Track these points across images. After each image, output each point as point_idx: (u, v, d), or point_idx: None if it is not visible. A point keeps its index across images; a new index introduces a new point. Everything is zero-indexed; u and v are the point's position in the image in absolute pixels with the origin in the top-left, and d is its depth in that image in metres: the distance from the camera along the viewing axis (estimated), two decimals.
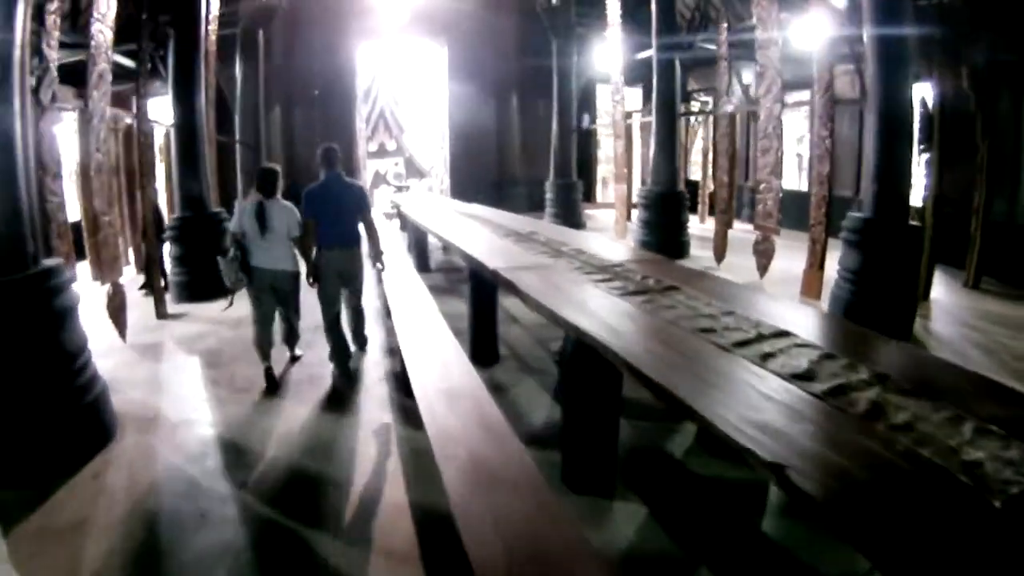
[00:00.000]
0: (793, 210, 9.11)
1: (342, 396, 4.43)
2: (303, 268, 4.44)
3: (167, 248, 7.21)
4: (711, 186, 13.60)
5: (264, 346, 4.44)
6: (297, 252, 4.39)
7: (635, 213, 10.56)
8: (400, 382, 4.38)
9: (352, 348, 4.87)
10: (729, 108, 9.08)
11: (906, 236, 5.68)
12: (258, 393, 4.46)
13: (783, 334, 2.68)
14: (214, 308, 6.87)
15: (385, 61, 22.62)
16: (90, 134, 5.39)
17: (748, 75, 13.36)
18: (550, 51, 13.07)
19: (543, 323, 4.99)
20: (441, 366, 3.25)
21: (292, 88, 13.86)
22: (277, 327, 4.63)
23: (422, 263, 8.22)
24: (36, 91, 4.71)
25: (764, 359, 2.38)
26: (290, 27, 13.42)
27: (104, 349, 5.24)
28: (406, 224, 11.00)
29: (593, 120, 15.53)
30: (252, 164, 11.03)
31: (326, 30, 13.95)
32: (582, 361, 2.86)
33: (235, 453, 3.64)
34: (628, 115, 13.17)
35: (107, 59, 5.61)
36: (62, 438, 3.29)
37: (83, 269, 7.97)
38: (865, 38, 5.76)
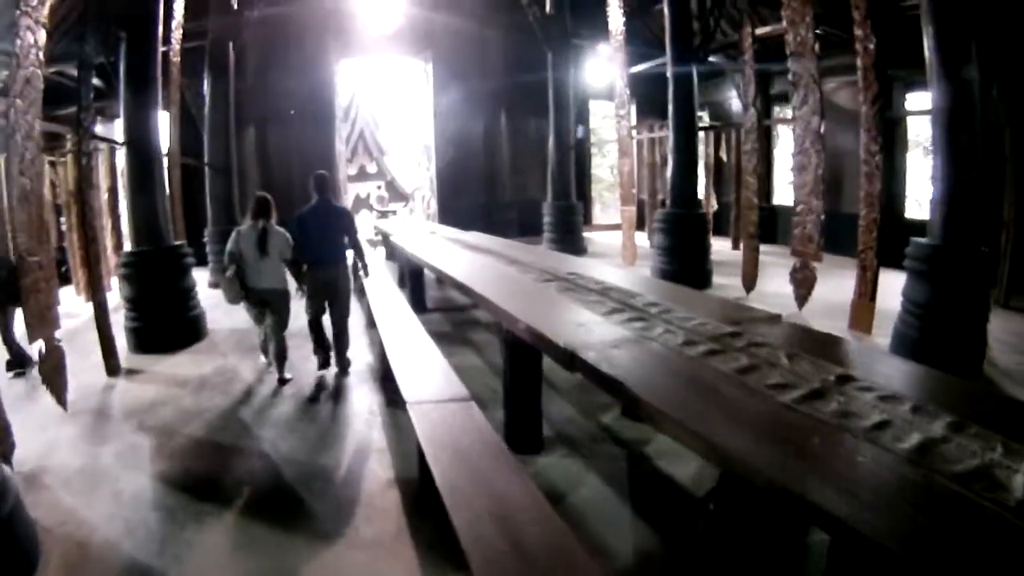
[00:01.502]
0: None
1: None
2: (292, 286, 4.95)
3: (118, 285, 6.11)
4: (714, 204, 12.94)
5: (266, 348, 5.11)
6: (287, 271, 4.89)
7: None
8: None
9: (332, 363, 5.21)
10: (751, 120, 8.25)
11: (979, 264, 4.93)
12: (223, 508, 3.25)
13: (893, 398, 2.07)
14: (176, 361, 5.77)
15: (365, 79, 21.77)
16: (11, 153, 4.31)
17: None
18: (540, 66, 12.26)
19: (582, 384, 4.02)
20: (470, 456, 2.48)
21: (267, 107, 12.86)
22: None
23: (418, 301, 7.17)
24: None
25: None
26: (264, 42, 12.41)
27: (38, 420, 4.49)
28: (394, 254, 10.14)
29: (587, 133, 14.75)
30: (223, 189, 9.94)
31: (303, 46, 13.04)
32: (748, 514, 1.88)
33: None
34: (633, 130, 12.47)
35: (37, 62, 4.55)
36: None
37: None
38: (927, 47, 4.99)
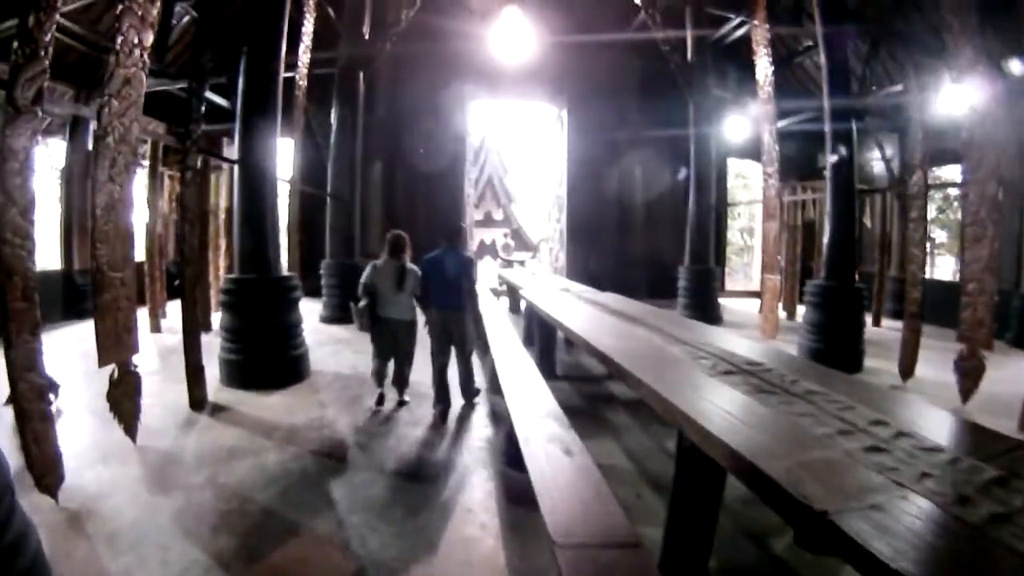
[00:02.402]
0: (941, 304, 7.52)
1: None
2: (421, 319, 4.99)
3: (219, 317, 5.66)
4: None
5: (380, 376, 5.02)
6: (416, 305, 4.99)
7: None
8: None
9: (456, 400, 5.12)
10: (919, 185, 6.49)
11: None
12: None
13: None
14: (268, 403, 5.11)
15: (496, 122, 21.72)
16: (101, 157, 3.89)
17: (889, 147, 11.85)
18: (676, 117, 11.25)
19: (748, 498, 2.92)
20: None
21: (396, 143, 12.67)
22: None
23: (548, 366, 6.09)
24: (11, 85, 3.22)
25: None
26: (395, 76, 12.35)
27: (102, 451, 4.05)
28: (519, 307, 9.65)
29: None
30: (344, 221, 9.63)
31: (436, 84, 12.79)
32: None
33: None
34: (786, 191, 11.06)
35: (141, 63, 4.15)
36: None
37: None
38: None
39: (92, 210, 3.87)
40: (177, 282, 8.86)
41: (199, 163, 5.07)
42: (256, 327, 5.49)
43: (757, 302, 12.96)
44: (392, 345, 4.93)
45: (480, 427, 4.73)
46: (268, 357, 5.50)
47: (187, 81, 4.95)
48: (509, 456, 3.74)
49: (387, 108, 12.45)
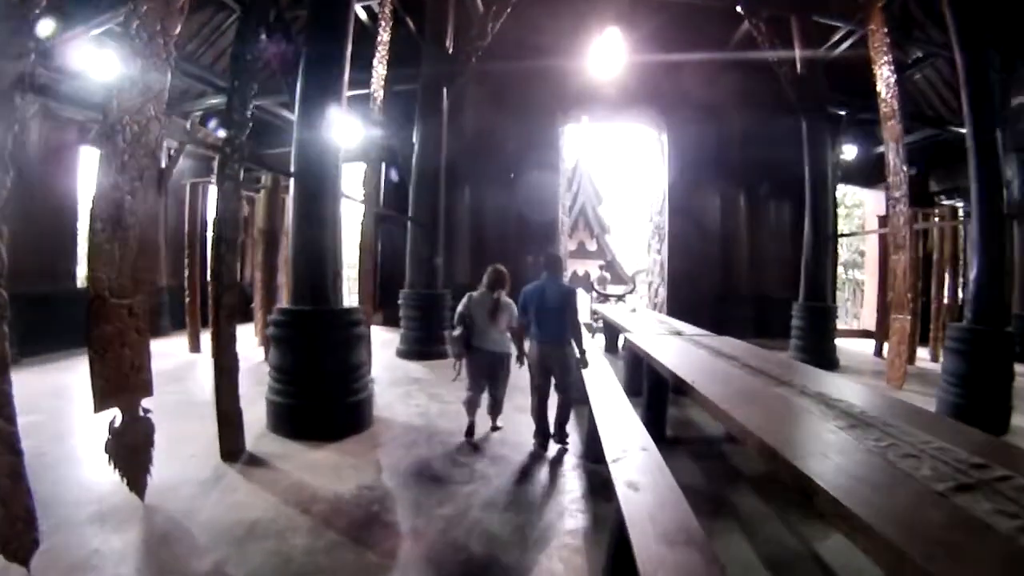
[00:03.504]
0: None
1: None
2: (514, 351, 4.85)
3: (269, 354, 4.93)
4: None
5: (472, 406, 4.91)
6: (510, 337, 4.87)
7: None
8: None
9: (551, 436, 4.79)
10: None
11: None
12: None
13: None
14: (315, 460, 4.25)
15: (588, 147, 20.78)
16: (105, 161, 3.24)
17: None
18: (781, 139, 10.45)
19: None
20: None
21: (484, 167, 11.97)
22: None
23: (657, 427, 4.85)
24: None
25: None
26: (483, 96, 11.71)
27: (96, 509, 3.32)
28: (616, 344, 9.05)
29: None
30: (426, 248, 8.89)
31: (526, 104, 12.06)
32: None
33: None
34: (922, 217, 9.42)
35: (163, 52, 3.51)
36: None
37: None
38: None
39: (91, 223, 3.19)
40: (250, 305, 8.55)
41: (252, 176, 4.34)
42: (308, 367, 4.68)
43: (863, 342, 11.48)
44: (486, 376, 4.89)
45: (576, 510, 3.60)
46: (321, 403, 4.66)
47: (229, 79, 4.31)
48: (615, 566, 2.58)
49: (475, 130, 11.79)
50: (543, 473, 4.18)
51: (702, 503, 3.30)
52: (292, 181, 4.97)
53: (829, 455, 2.21)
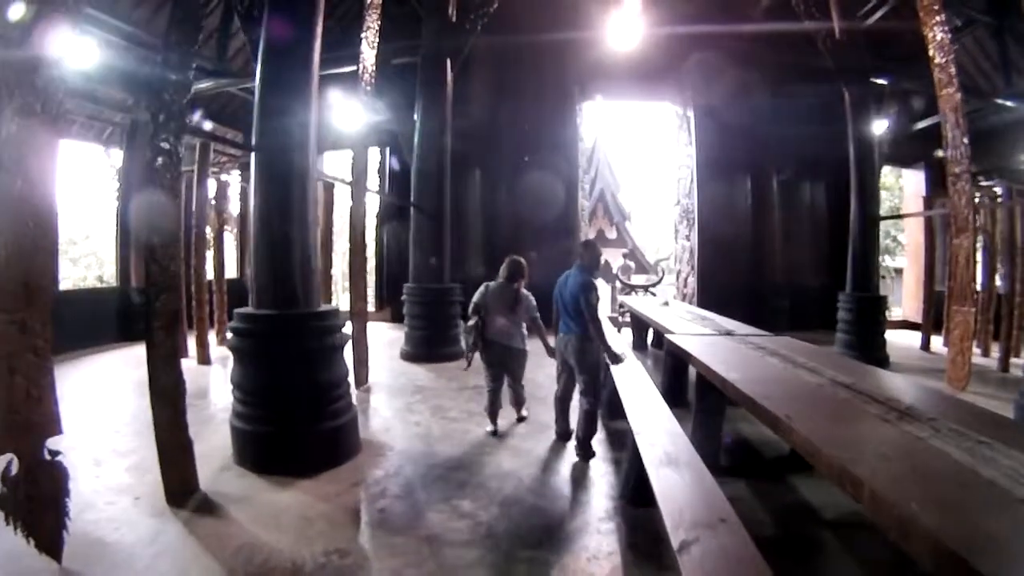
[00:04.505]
0: None
1: None
2: (527, 347, 4.76)
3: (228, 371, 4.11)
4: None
5: (494, 414, 4.80)
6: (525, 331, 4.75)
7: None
8: None
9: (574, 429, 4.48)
10: None
11: None
12: None
13: None
14: (281, 505, 3.39)
15: (606, 127, 19.73)
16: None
17: None
18: (813, 115, 10.05)
19: None
20: None
21: (495, 149, 11.07)
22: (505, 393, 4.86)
23: (712, 452, 3.77)
24: None
25: None
26: (493, 72, 10.78)
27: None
28: (645, 341, 8.88)
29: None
30: (431, 238, 8.02)
31: (540, 83, 11.16)
32: None
33: None
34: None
35: None
36: None
37: None
38: None
39: None
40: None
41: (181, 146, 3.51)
42: (273, 384, 3.83)
43: (905, 334, 10.92)
44: (502, 368, 4.79)
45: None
46: (290, 429, 3.81)
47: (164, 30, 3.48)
48: None
49: (485, 109, 10.86)
50: (572, 525, 3.20)
51: (771, 546, 2.17)
52: (253, 157, 4.12)
53: None
